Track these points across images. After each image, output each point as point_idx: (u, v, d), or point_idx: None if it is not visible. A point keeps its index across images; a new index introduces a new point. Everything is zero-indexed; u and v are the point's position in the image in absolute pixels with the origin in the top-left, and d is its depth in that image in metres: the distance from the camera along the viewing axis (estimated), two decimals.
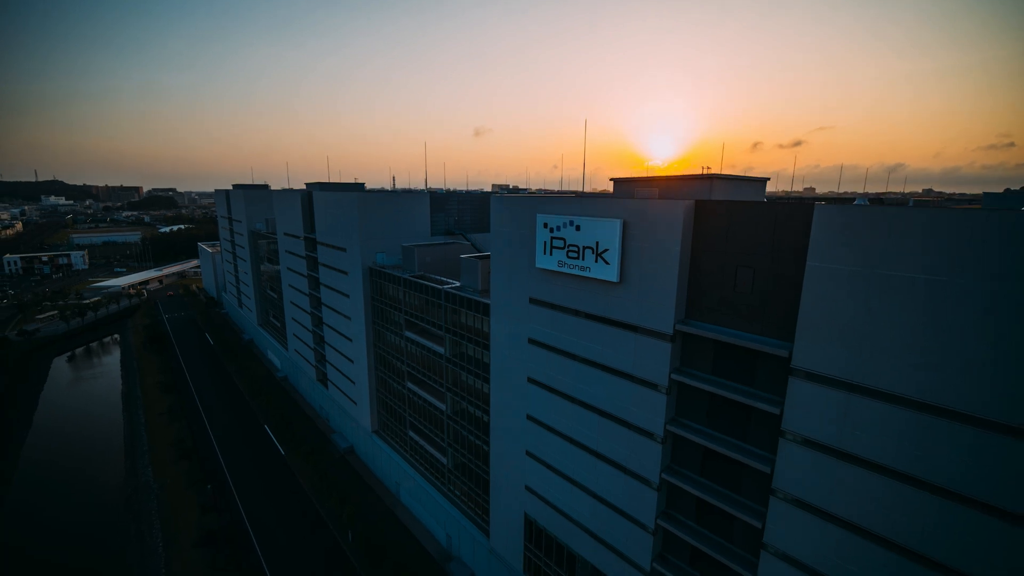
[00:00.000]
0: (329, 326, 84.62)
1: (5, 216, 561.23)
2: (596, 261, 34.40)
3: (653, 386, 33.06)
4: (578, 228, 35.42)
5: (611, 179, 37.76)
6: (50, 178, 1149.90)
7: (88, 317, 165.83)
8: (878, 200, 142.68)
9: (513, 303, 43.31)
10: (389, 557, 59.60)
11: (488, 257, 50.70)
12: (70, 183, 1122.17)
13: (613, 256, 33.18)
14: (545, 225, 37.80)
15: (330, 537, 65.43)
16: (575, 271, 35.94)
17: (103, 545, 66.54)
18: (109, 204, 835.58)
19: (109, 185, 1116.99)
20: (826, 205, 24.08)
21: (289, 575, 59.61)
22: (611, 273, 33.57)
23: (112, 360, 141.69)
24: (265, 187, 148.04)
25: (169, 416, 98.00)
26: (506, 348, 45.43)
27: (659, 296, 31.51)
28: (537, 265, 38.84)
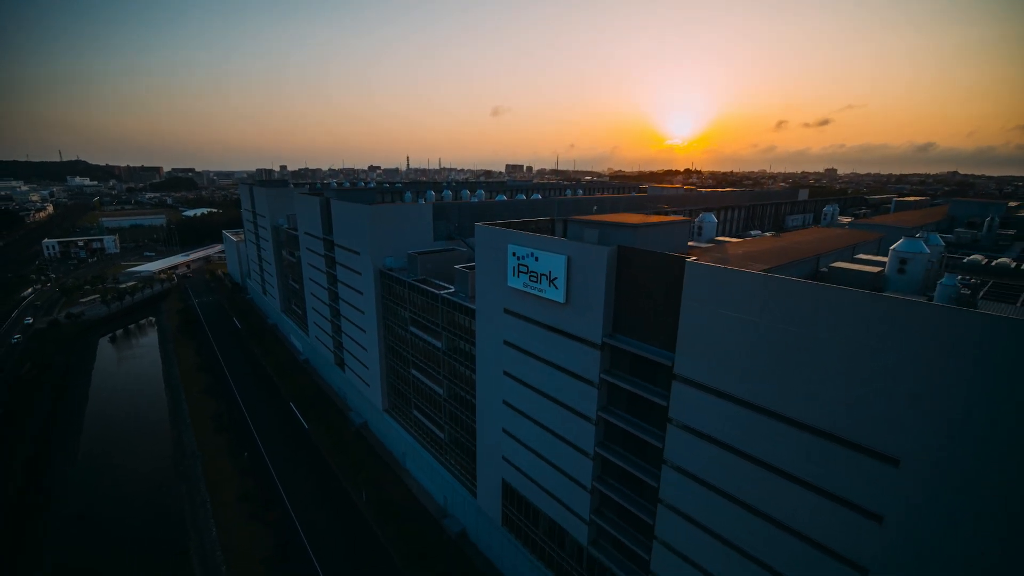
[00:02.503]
0: (345, 317, 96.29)
1: (36, 198, 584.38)
2: (549, 285, 44.67)
3: (589, 382, 43.63)
4: (537, 259, 45.63)
5: (568, 219, 47.41)
6: (74, 158, 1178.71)
7: (126, 301, 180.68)
8: (861, 200, 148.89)
9: (492, 311, 53.88)
10: (396, 513, 72.00)
11: None
12: (93, 163, 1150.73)
13: (560, 283, 43.41)
14: (514, 254, 48.00)
15: (347, 497, 78.12)
16: (535, 291, 46.27)
17: (159, 499, 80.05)
18: (132, 185, 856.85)
19: (131, 166, 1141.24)
20: (694, 262, 33.95)
21: (313, 525, 72.45)
22: (559, 296, 43.85)
23: (149, 341, 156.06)
24: (286, 183, 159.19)
25: (207, 393, 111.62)
26: (487, 346, 56.22)
27: (592, 315, 41.81)
28: (508, 284, 49.20)
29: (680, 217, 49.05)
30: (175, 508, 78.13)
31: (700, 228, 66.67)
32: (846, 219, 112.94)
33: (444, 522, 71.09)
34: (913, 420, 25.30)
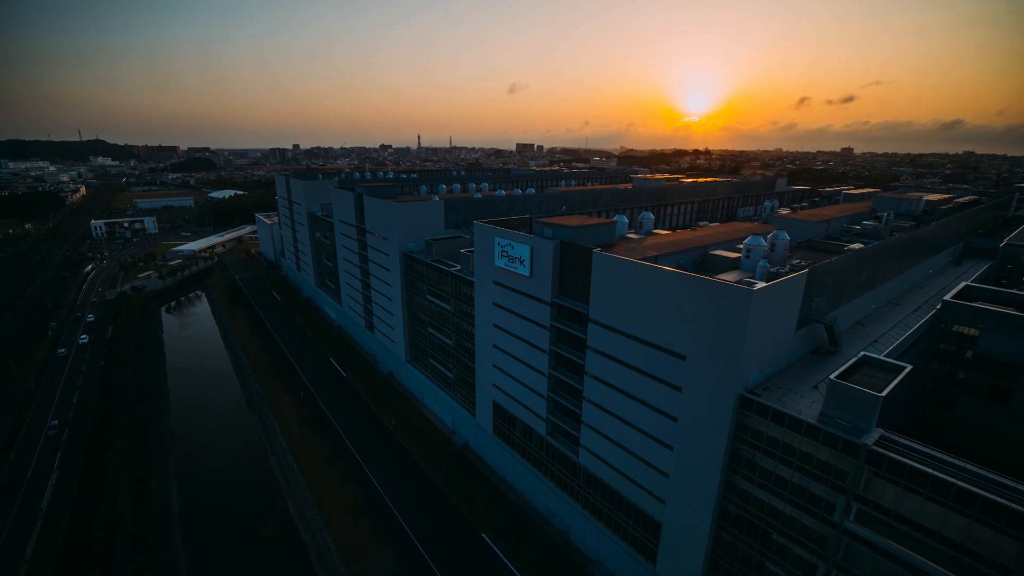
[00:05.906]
0: (375, 289, 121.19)
1: (65, 179, 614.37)
2: (520, 265, 68.64)
3: (545, 327, 67.96)
4: (513, 247, 69.52)
5: (536, 220, 70.90)
6: (93, 137, 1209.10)
7: (177, 276, 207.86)
8: (815, 192, 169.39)
9: (486, 283, 78.01)
10: (417, 432, 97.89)
11: None
12: (112, 142, 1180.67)
13: (527, 263, 67.38)
14: (499, 243, 71.91)
15: (380, 422, 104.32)
16: (512, 269, 70.27)
17: (239, 425, 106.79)
18: (152, 165, 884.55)
19: (149, 145, 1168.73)
20: (597, 252, 57.55)
21: (357, 440, 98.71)
22: (526, 271, 67.88)
23: (201, 311, 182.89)
24: (316, 175, 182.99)
25: (261, 351, 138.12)
26: (482, 307, 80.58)
27: (545, 284, 65.85)
28: (495, 264, 73.18)
29: (606, 220, 72.27)
30: (252, 430, 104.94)
31: (641, 223, 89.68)
32: (785, 211, 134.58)
33: (452, 437, 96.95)
34: (689, 335, 49.23)
